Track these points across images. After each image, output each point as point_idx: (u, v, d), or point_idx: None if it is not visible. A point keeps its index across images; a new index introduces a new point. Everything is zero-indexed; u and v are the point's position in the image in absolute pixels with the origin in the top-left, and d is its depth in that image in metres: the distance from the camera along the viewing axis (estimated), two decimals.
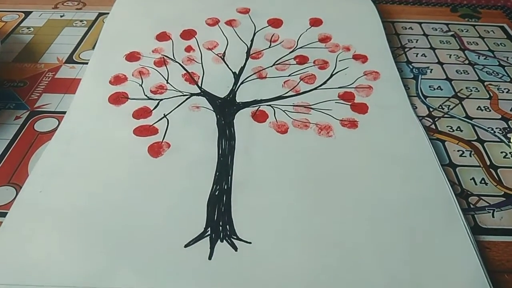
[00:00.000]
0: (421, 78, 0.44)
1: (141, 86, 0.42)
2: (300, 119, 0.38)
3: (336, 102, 0.40)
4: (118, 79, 0.42)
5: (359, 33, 0.49)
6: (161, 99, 0.40)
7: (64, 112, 0.39)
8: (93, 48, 0.47)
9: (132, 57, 0.45)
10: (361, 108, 0.40)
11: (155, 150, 0.35)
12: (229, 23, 0.50)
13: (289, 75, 0.43)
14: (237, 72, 0.43)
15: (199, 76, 0.43)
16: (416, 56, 0.47)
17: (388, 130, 0.37)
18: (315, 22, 0.50)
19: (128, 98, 0.40)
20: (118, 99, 0.40)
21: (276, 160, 0.35)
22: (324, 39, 0.48)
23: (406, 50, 0.48)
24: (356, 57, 0.45)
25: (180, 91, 0.41)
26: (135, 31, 0.48)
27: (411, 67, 0.46)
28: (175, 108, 0.39)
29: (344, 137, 0.37)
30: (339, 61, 0.45)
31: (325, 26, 0.49)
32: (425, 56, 0.47)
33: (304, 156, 0.35)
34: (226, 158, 0.35)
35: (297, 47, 0.47)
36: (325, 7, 0.52)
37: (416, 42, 0.49)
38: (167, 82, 0.42)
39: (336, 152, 0.35)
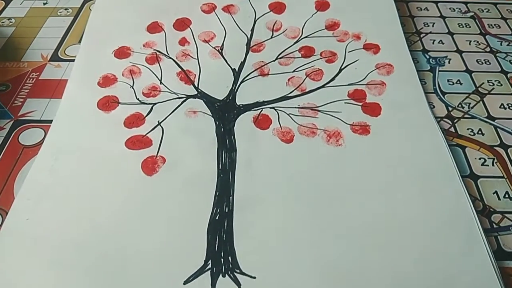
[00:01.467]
0: (439, 70, 0.40)
1: (132, 88, 0.38)
2: (307, 124, 0.35)
3: (345, 103, 0.37)
4: (107, 80, 0.39)
5: (370, 17, 0.44)
6: (155, 103, 0.37)
7: (50, 121, 0.36)
8: (80, 41, 0.43)
9: (122, 53, 0.41)
10: (373, 110, 0.36)
11: (149, 167, 0.32)
12: (227, 9, 0.45)
13: (294, 71, 0.39)
14: (236, 69, 0.40)
15: (195, 75, 0.39)
16: (433, 43, 0.43)
17: (403, 137, 0.34)
18: (322, 6, 0.45)
19: (118, 103, 0.37)
20: (108, 104, 0.37)
21: (281, 176, 0.32)
22: (332, 26, 0.43)
23: (422, 36, 0.44)
24: (367, 47, 0.41)
25: (175, 93, 0.38)
26: (124, 21, 0.44)
27: (428, 56, 0.42)
28: (170, 114, 0.36)
29: (355, 146, 0.33)
30: (349, 52, 0.41)
31: (333, 10, 0.45)
32: (443, 43, 0.43)
33: (312, 170, 0.32)
34: (227, 175, 0.32)
35: (302, 37, 0.42)
36: None
37: (433, 26, 0.45)
38: (161, 83, 0.39)
39: (347, 164, 0.32)
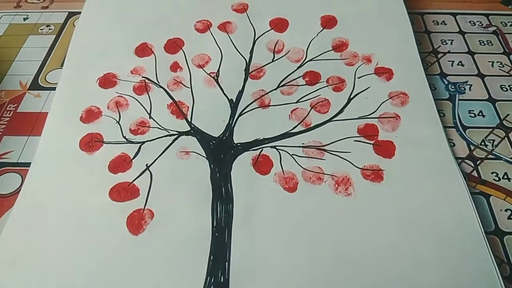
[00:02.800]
0: (459, 99, 0.36)
1: (119, 123, 0.35)
2: (312, 168, 0.31)
3: (355, 140, 0.33)
4: (90, 114, 0.35)
5: (382, 35, 0.40)
6: (143, 142, 0.33)
7: (29, 164, 0.32)
8: (62, 65, 0.39)
9: (107, 81, 0.37)
10: (387, 149, 0.32)
11: (136, 224, 0.29)
12: (223, 27, 0.41)
13: (297, 101, 0.35)
14: (234, 100, 0.36)
15: (188, 107, 0.35)
16: (452, 65, 0.39)
17: (420, 185, 0.30)
18: (328, 23, 0.41)
19: (103, 142, 0.33)
20: (91, 143, 0.33)
21: (284, 233, 0.28)
22: (340, 47, 0.39)
23: (439, 56, 0.40)
24: (379, 71, 0.37)
25: (165, 129, 0.34)
26: (110, 43, 0.40)
27: (446, 82, 0.38)
28: (160, 155, 0.32)
29: (367, 196, 0.30)
30: (358, 78, 0.37)
31: (340, 27, 0.41)
32: (463, 65, 0.39)
33: (319, 226, 0.29)
34: (222, 233, 0.28)
35: (306, 60, 0.38)
36: (339, 0, 0.43)
37: (451, 44, 0.41)
38: (150, 117, 0.35)
39: (358, 218, 0.29)
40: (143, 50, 0.39)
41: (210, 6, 0.43)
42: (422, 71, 0.37)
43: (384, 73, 0.37)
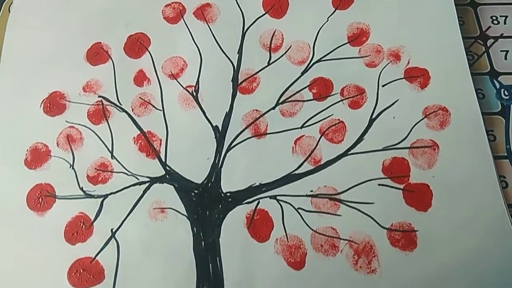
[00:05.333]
0: None
1: (73, 167, 0.27)
2: (324, 229, 0.24)
3: (380, 184, 0.25)
4: (37, 156, 0.27)
5: (414, 17, 0.29)
6: (105, 196, 0.26)
7: None
8: None
9: (54, 104, 0.28)
10: (421, 198, 0.25)
11: None
12: (201, 13, 0.30)
13: (303, 126, 0.27)
14: (220, 127, 0.27)
15: (160, 140, 0.27)
16: (506, 57, 0.29)
17: (465, 254, 0.23)
18: (342, 0, 0.30)
19: (55, 197, 0.26)
20: (41, 199, 0.26)
21: None
22: (358, 37, 0.29)
23: (488, 43, 0.30)
24: (410, 74, 0.28)
25: (133, 175, 0.26)
26: (53, 43, 0.30)
27: (498, 85, 0.28)
28: (128, 215, 0.25)
29: (395, 273, 0.23)
30: (383, 86, 0.28)
31: (359, 6, 0.30)
32: None
33: None
34: None
35: (313, 60, 0.29)
36: None
37: (505, 22, 0.30)
38: (112, 156, 0.27)
39: None
40: (97, 54, 0.29)
41: None
42: (468, 72, 0.28)
43: (418, 77, 0.28)
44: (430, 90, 0.27)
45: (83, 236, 0.25)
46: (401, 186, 0.25)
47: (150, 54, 0.29)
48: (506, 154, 0.26)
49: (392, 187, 0.25)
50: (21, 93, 0.29)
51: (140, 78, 0.29)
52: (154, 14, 0.30)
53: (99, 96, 0.28)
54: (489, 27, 0.30)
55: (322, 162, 0.26)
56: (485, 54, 0.29)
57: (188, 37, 0.30)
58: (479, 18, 0.31)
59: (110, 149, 0.27)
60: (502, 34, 0.30)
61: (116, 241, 0.25)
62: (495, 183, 0.25)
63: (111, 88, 0.29)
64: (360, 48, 0.29)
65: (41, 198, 0.26)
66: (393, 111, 0.27)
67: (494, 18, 0.31)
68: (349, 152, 0.26)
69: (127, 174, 0.26)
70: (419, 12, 0.29)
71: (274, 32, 0.30)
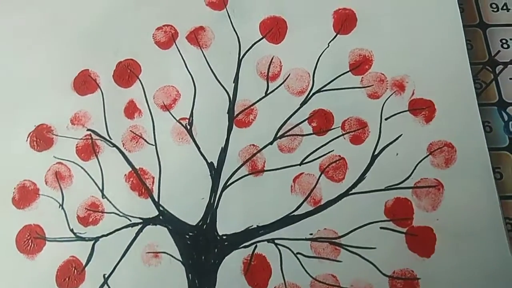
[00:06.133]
0: None
1: (62, 207, 0.26)
2: (324, 277, 0.23)
3: (382, 227, 0.24)
4: (25, 194, 0.26)
5: (419, 42, 0.28)
6: (97, 238, 0.25)
7: None
8: None
9: (41, 139, 0.27)
10: (424, 243, 0.24)
11: None
12: (194, 36, 0.28)
13: (302, 162, 0.26)
14: (215, 163, 0.26)
15: (153, 178, 0.26)
16: None
17: None
18: (344, 22, 0.28)
19: (45, 239, 0.25)
20: (30, 241, 0.25)
21: None
22: (360, 65, 0.27)
23: (497, 70, 0.28)
24: (415, 106, 0.26)
25: (125, 216, 0.25)
26: (38, 70, 0.28)
27: (506, 117, 0.27)
28: (120, 260, 0.24)
29: None
30: (386, 119, 0.26)
31: (361, 30, 0.28)
32: None
33: None
34: None
35: (312, 90, 0.27)
36: None
37: None
38: (103, 196, 0.26)
39: None
40: (85, 82, 0.28)
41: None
42: (475, 104, 0.26)
43: (423, 109, 0.26)
44: (435, 124, 0.26)
45: (75, 282, 0.24)
46: (404, 230, 0.24)
47: (141, 83, 0.28)
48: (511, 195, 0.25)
49: (394, 230, 0.24)
50: (6, 125, 0.27)
51: (131, 110, 0.27)
52: (144, 38, 0.29)
53: (88, 130, 0.27)
54: (499, 51, 0.29)
55: (322, 203, 0.25)
56: (494, 82, 0.28)
57: (181, 64, 0.28)
58: (488, 41, 0.29)
59: (101, 188, 0.26)
60: None
61: (109, 287, 0.24)
62: (501, 227, 0.24)
63: (101, 121, 0.27)
64: (362, 77, 0.27)
65: (31, 240, 0.25)
66: (396, 147, 0.26)
67: (504, 41, 0.29)
68: (350, 192, 0.25)
69: (118, 215, 0.25)
70: (426, 36, 0.28)
71: (272, 59, 0.28)
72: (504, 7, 0.30)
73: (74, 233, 0.25)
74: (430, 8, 0.28)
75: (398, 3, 0.29)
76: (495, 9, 0.30)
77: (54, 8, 0.29)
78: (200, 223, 0.25)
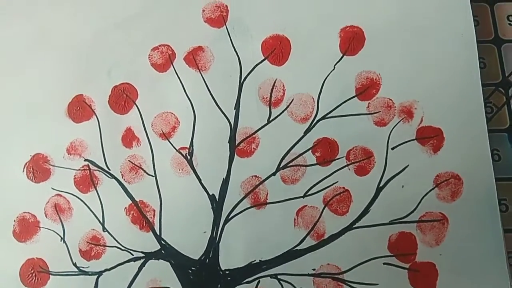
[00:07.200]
0: None
1: (64, 240, 0.25)
2: None
3: (385, 263, 0.24)
4: (26, 227, 0.26)
5: (429, 63, 0.26)
6: (100, 273, 0.25)
7: None
8: None
9: (38, 170, 0.26)
10: (426, 280, 0.24)
11: None
12: (192, 58, 0.27)
13: (305, 195, 0.25)
14: (216, 196, 0.26)
15: (154, 211, 0.26)
16: None
17: None
18: (351, 42, 0.27)
19: (49, 273, 0.25)
20: (34, 275, 0.25)
21: None
22: (367, 89, 0.26)
23: (510, 92, 0.27)
24: (423, 134, 0.25)
25: (127, 250, 0.25)
26: (31, 95, 0.27)
27: None
28: None
29: None
30: (392, 149, 0.26)
31: (369, 50, 0.26)
32: None
33: None
34: None
35: (317, 117, 0.26)
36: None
37: None
38: (104, 229, 0.25)
39: None
40: (79, 108, 0.27)
41: (170, 15, 0.28)
42: (485, 132, 0.25)
43: (431, 138, 0.26)
44: (443, 154, 0.25)
45: None
46: (407, 265, 0.24)
47: (138, 109, 0.27)
48: None
49: (397, 266, 0.24)
50: (2, 155, 0.27)
51: (129, 138, 0.26)
52: (140, 59, 0.27)
53: (85, 160, 0.26)
54: None
55: (326, 237, 0.25)
56: (505, 106, 0.27)
57: (179, 88, 0.27)
58: (502, 59, 0.28)
59: (101, 221, 0.26)
60: None
61: None
62: (503, 262, 0.24)
63: (98, 150, 0.26)
64: (369, 103, 0.26)
65: (35, 274, 0.25)
66: (402, 179, 0.25)
67: None
68: (354, 226, 0.25)
69: (120, 249, 0.25)
70: (437, 56, 0.26)
71: (275, 82, 0.27)
72: None
73: (77, 267, 0.25)
74: (443, 24, 0.27)
75: (408, 17, 0.27)
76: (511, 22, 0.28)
77: (43, 29, 0.27)
78: (202, 258, 0.25)
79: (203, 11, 0.28)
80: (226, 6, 0.28)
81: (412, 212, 0.25)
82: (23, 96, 0.27)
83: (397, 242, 0.25)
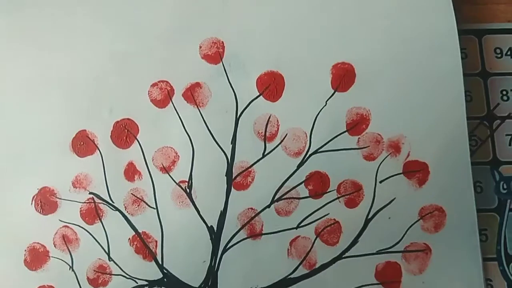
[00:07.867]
0: (509, 209, 0.27)
1: (72, 269, 0.27)
2: None
3: None
4: (36, 256, 0.27)
5: (417, 98, 0.27)
6: None
7: None
8: None
9: (46, 203, 0.27)
10: None
11: None
12: (190, 94, 0.28)
13: (298, 226, 0.27)
14: (215, 227, 0.27)
15: (156, 242, 0.27)
16: (510, 143, 0.28)
17: None
18: (343, 78, 0.28)
19: None
20: None
21: None
22: (357, 124, 0.27)
23: (494, 125, 0.28)
24: (409, 168, 0.27)
25: (131, 278, 0.27)
26: (35, 130, 0.28)
27: (497, 177, 0.28)
28: None
29: None
30: (380, 182, 0.27)
31: (360, 86, 0.28)
32: None
33: None
34: None
35: (309, 151, 0.27)
36: (364, 32, 0.28)
37: None
38: (110, 258, 0.27)
39: None
40: (83, 143, 0.28)
41: (169, 51, 0.28)
42: (469, 166, 0.27)
43: (417, 172, 0.27)
44: (428, 187, 0.27)
45: None
46: None
47: (140, 144, 0.28)
48: (495, 255, 0.27)
49: None
50: (10, 189, 0.28)
51: (131, 172, 0.28)
52: (140, 95, 0.28)
53: (90, 193, 0.28)
54: (498, 104, 0.29)
55: (317, 266, 0.27)
56: (489, 139, 0.28)
57: (178, 124, 0.28)
58: (488, 92, 0.29)
59: (107, 251, 0.27)
60: (510, 114, 0.28)
61: None
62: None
63: (102, 183, 0.28)
64: (359, 138, 0.27)
65: None
66: (389, 211, 0.27)
67: (504, 92, 0.29)
68: (344, 256, 0.27)
69: (125, 277, 0.27)
70: (425, 93, 0.28)
71: (269, 117, 0.28)
72: (509, 53, 0.29)
73: None
74: (432, 61, 0.28)
75: (397, 53, 0.28)
76: (499, 55, 0.29)
77: (42, 66, 0.28)
78: (202, 285, 0.27)
79: (200, 47, 0.29)
80: (223, 42, 0.29)
81: (398, 242, 0.27)
82: (29, 132, 0.28)
83: (384, 270, 0.26)
